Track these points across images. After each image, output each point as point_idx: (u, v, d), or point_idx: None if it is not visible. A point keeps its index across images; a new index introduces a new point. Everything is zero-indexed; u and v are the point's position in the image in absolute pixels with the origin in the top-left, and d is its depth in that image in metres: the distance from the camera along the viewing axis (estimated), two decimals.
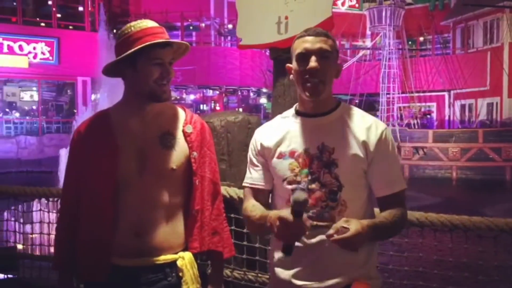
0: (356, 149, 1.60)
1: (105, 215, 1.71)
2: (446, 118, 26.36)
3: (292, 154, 1.65)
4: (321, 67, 1.60)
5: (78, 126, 1.84)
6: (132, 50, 1.68)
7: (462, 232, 2.30)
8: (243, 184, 1.80)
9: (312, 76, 1.60)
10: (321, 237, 1.56)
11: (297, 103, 1.75)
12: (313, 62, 1.60)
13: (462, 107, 25.67)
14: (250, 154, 1.78)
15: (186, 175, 1.80)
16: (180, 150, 1.78)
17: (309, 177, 1.61)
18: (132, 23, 1.76)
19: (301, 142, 1.65)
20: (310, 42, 1.62)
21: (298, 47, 1.64)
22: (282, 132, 1.71)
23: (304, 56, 1.62)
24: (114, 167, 1.71)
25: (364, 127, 1.63)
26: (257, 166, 1.75)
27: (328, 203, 1.59)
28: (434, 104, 26.75)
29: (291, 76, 1.69)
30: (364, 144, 1.60)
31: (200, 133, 1.84)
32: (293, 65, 1.67)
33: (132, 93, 1.79)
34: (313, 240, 1.59)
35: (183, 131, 1.80)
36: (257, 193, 1.75)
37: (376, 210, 1.71)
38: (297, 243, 1.55)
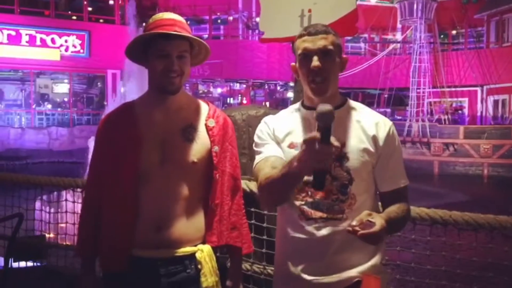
0: (366, 144, 1.61)
1: (127, 206, 1.73)
2: (478, 114, 25.72)
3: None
4: (323, 66, 1.59)
5: (104, 117, 1.87)
6: (131, 41, 1.72)
7: (488, 232, 2.24)
8: (255, 163, 1.69)
9: (315, 76, 1.59)
10: (330, 229, 1.57)
11: (302, 99, 1.74)
12: (315, 62, 1.58)
13: (495, 102, 24.98)
14: (261, 136, 1.72)
15: (207, 169, 1.80)
16: (202, 143, 1.78)
17: None
18: (155, 15, 1.77)
19: None
20: (310, 42, 1.60)
21: (299, 47, 1.63)
22: (292, 123, 1.69)
23: (306, 56, 1.61)
24: (136, 158, 1.73)
25: (373, 122, 1.64)
26: (271, 143, 1.68)
27: (339, 196, 1.60)
28: (466, 99, 26.13)
29: (296, 75, 1.69)
30: (374, 139, 1.61)
31: (223, 127, 1.84)
32: (297, 65, 1.66)
33: (151, 86, 1.81)
34: (323, 232, 1.58)
35: (206, 125, 1.81)
36: (275, 163, 1.62)
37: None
38: (305, 236, 1.57)
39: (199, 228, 1.80)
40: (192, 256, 1.76)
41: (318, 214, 1.59)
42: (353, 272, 1.58)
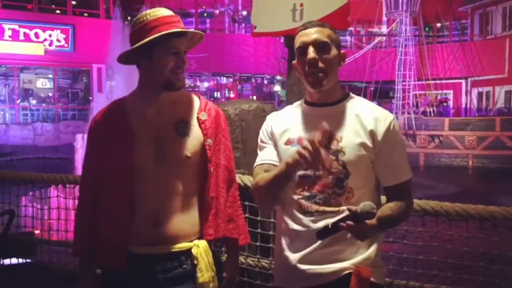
0: (364, 138, 1.62)
1: (122, 203, 1.73)
2: (463, 106, 26.00)
3: (300, 141, 1.65)
4: (319, 57, 1.62)
5: (95, 115, 1.86)
6: (148, 39, 1.68)
7: (478, 222, 2.28)
8: (254, 166, 1.80)
9: (311, 67, 1.63)
10: (327, 221, 1.58)
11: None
12: (310, 53, 1.62)
13: (480, 95, 25.29)
14: (262, 136, 1.81)
15: (201, 163, 1.80)
16: (195, 137, 1.78)
17: (317, 163, 1.61)
18: (148, 11, 1.75)
19: (310, 129, 1.65)
20: (306, 35, 1.65)
21: (297, 42, 1.68)
22: (291, 119, 1.74)
23: (302, 49, 1.65)
24: (129, 155, 1.72)
25: (373, 117, 1.64)
26: (268, 146, 1.77)
27: (335, 190, 1.62)
28: (451, 91, 26.38)
29: (297, 72, 1.72)
30: (372, 134, 1.62)
31: (215, 120, 1.84)
32: (296, 61, 1.70)
33: (147, 82, 1.79)
34: (319, 225, 1.60)
35: (198, 118, 1.80)
36: (269, 169, 1.73)
37: (383, 198, 1.74)
38: (302, 228, 1.63)
39: (195, 223, 1.80)
40: (188, 251, 1.76)
41: (315, 207, 1.62)
42: (346, 264, 1.61)
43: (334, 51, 1.65)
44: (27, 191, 3.71)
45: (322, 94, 1.67)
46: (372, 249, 1.65)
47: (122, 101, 1.84)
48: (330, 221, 1.54)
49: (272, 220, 2.71)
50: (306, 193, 1.64)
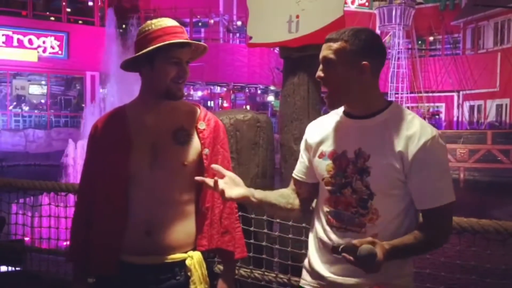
0: (391, 159, 1.52)
1: (116, 209, 1.72)
2: (455, 119, 26.21)
3: (331, 155, 1.64)
4: (325, 76, 1.58)
5: (96, 122, 1.86)
6: (151, 48, 1.69)
7: (470, 235, 2.28)
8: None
9: (323, 86, 1.62)
10: (349, 239, 1.51)
11: None
12: (318, 72, 1.60)
13: (471, 108, 25.50)
14: (301, 146, 1.82)
15: (198, 172, 1.78)
16: (193, 146, 1.78)
17: (343, 181, 1.60)
18: (153, 21, 1.76)
19: (341, 143, 1.63)
20: (321, 51, 1.61)
21: None
22: (327, 130, 1.69)
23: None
24: (126, 161, 1.72)
25: (405, 135, 1.53)
26: (302, 158, 1.79)
27: (359, 210, 1.57)
28: (443, 104, 26.60)
29: None
30: (401, 154, 1.51)
31: (214, 130, 1.84)
32: None
33: (148, 90, 1.80)
34: (341, 241, 1.56)
35: (196, 128, 1.81)
36: (298, 184, 1.80)
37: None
38: (328, 240, 1.62)
39: (190, 233, 1.79)
40: (182, 262, 1.75)
41: (338, 224, 1.61)
42: (366, 280, 1.56)
43: (342, 67, 1.56)
44: (18, 198, 3.66)
45: (350, 107, 1.63)
46: (400, 269, 1.59)
47: (123, 108, 1.85)
48: (347, 240, 1.49)
49: (265, 230, 2.70)
50: (332, 208, 1.64)
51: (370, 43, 1.57)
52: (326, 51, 1.58)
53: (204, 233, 1.80)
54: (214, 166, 1.64)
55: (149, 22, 1.77)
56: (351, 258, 1.37)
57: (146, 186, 1.73)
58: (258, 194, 1.67)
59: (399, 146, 1.52)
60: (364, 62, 1.54)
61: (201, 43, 1.82)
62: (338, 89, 1.58)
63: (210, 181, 1.57)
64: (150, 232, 1.71)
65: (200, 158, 1.79)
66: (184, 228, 1.77)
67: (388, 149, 1.53)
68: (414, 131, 1.52)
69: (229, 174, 1.63)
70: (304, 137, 1.80)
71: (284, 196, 1.77)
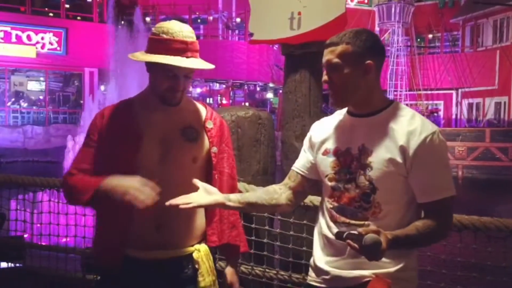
0: (393, 154, 1.56)
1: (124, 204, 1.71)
2: (453, 116, 26.23)
3: (335, 152, 1.68)
4: (330, 79, 1.63)
5: (102, 110, 1.85)
6: (150, 60, 1.70)
7: (471, 232, 2.29)
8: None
9: (328, 88, 1.66)
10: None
11: None
12: (323, 76, 1.65)
13: (470, 106, 25.53)
14: (304, 142, 1.85)
15: (206, 169, 1.84)
16: (201, 144, 1.81)
17: (347, 176, 1.63)
18: (168, 26, 1.73)
19: (345, 141, 1.67)
20: (323, 56, 1.65)
21: None
22: (331, 129, 1.74)
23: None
24: (135, 156, 1.72)
25: (407, 130, 1.57)
26: (303, 153, 1.83)
27: (362, 204, 1.61)
28: (442, 102, 26.62)
29: None
30: (403, 149, 1.56)
31: (220, 129, 1.89)
32: None
33: (152, 90, 1.82)
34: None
35: (204, 126, 1.84)
36: (297, 178, 1.82)
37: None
38: (331, 235, 1.63)
39: (198, 228, 1.83)
40: (189, 256, 1.78)
41: (342, 218, 1.64)
42: (367, 272, 1.60)
43: (347, 69, 1.59)
44: (18, 194, 3.66)
45: (355, 106, 1.68)
46: (401, 263, 1.61)
47: (131, 101, 1.85)
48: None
49: (266, 227, 2.70)
50: (335, 204, 1.67)
51: (372, 43, 1.62)
52: (329, 55, 1.62)
53: (214, 229, 1.84)
54: (194, 180, 1.69)
55: (165, 25, 1.74)
56: (356, 245, 1.39)
57: (156, 180, 1.72)
58: (234, 197, 1.73)
59: (400, 141, 1.57)
60: (368, 62, 1.59)
61: (198, 67, 1.74)
62: (345, 90, 1.62)
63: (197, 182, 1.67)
64: (159, 226, 1.73)
65: (209, 155, 1.83)
66: (192, 223, 1.80)
67: (390, 144, 1.58)
68: (415, 127, 1.57)
69: (203, 185, 1.69)
70: (308, 134, 1.83)
71: (269, 193, 1.80)
